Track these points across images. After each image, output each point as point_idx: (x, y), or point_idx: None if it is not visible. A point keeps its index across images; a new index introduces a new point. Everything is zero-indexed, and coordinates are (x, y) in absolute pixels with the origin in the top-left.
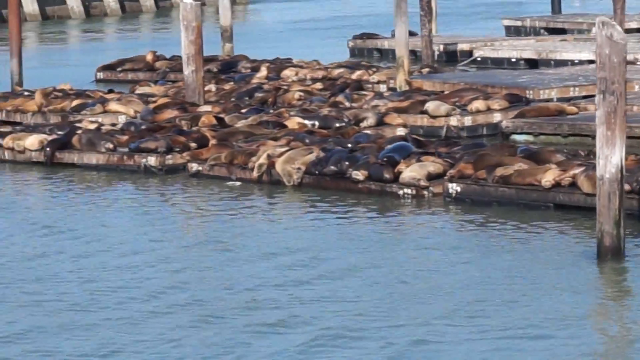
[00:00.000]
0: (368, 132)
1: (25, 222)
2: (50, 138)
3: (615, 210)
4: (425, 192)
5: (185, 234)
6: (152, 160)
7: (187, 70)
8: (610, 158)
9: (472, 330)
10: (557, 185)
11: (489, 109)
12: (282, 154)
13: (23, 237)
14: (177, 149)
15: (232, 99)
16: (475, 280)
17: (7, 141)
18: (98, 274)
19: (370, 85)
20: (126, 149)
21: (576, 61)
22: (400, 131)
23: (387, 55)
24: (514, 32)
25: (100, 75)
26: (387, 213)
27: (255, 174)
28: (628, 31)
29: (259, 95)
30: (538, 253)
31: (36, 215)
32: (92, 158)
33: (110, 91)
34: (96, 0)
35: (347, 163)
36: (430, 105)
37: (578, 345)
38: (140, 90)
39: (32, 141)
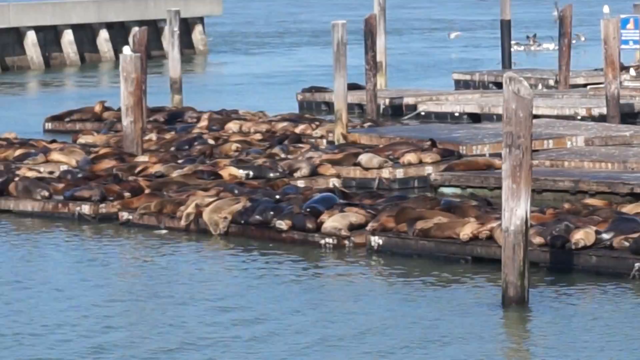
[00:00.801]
0: (300, 183)
1: None
2: None
3: (520, 261)
4: (346, 242)
5: (111, 282)
6: (86, 208)
7: (126, 121)
8: (516, 211)
9: None
10: (474, 238)
11: (420, 162)
12: (209, 203)
13: None
14: (111, 198)
15: (172, 149)
16: (386, 329)
17: None
18: (30, 318)
19: (313, 140)
20: (61, 197)
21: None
22: (334, 182)
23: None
24: (463, 86)
25: (49, 125)
26: (308, 262)
27: (183, 223)
28: (574, 86)
29: (197, 146)
30: (449, 304)
31: None
32: (28, 205)
33: (53, 141)
34: (56, 51)
35: (272, 213)
36: (363, 158)
37: None
38: (82, 139)
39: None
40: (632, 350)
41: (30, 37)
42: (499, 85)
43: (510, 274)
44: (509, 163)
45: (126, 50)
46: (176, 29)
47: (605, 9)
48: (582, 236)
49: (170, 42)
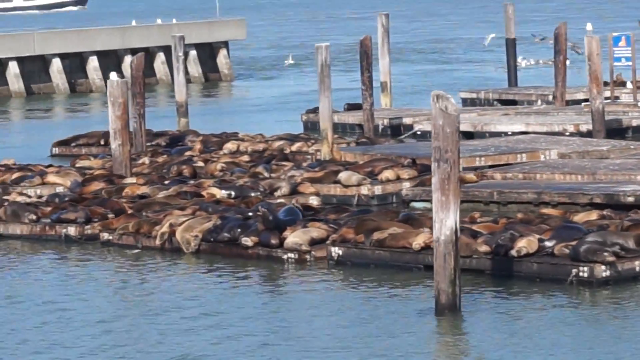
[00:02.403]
0: (281, 200)
1: None
2: None
3: (451, 269)
4: (307, 256)
5: (91, 297)
6: (72, 230)
7: (114, 144)
8: (445, 222)
9: None
10: (426, 247)
11: (398, 178)
12: (182, 222)
13: None
14: (96, 219)
15: (164, 171)
16: (325, 333)
17: None
18: (19, 335)
19: (309, 156)
20: (49, 220)
21: (509, 133)
22: (313, 200)
23: (337, 127)
24: (469, 104)
25: (56, 150)
26: (270, 276)
27: (157, 242)
28: (575, 102)
29: (175, 167)
30: (390, 311)
31: None
32: (17, 229)
33: (49, 165)
34: (81, 77)
35: (239, 230)
36: (342, 175)
37: None
38: (80, 163)
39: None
40: (560, 356)
41: (56, 64)
42: (503, 102)
43: (442, 282)
44: (438, 176)
45: (113, 76)
46: (181, 54)
47: (589, 26)
48: (524, 244)
49: (175, 67)
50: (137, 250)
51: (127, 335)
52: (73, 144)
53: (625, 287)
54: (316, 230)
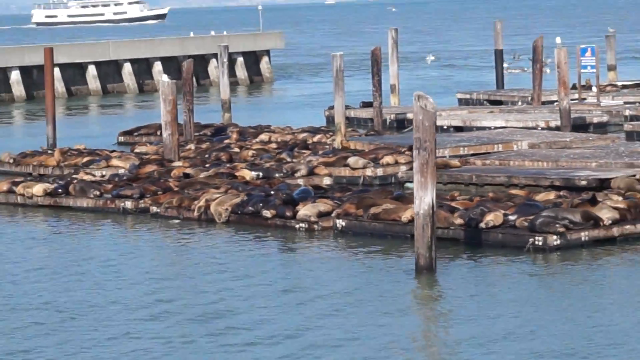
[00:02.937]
0: (300, 182)
1: (30, 251)
2: (51, 187)
3: (428, 237)
4: (316, 226)
5: (143, 257)
6: (128, 204)
7: (165, 133)
8: (424, 198)
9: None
10: (413, 220)
11: (396, 163)
12: (216, 198)
13: (29, 260)
14: (148, 195)
15: (206, 156)
16: (326, 286)
17: (19, 189)
18: (84, 285)
19: (327, 145)
20: (109, 195)
21: (492, 127)
22: (326, 179)
23: (353, 121)
24: (464, 103)
25: (121, 138)
26: (285, 242)
27: (195, 214)
28: (550, 102)
29: (217, 153)
30: (380, 270)
31: (38, 246)
32: (84, 202)
33: (113, 151)
34: (148, 79)
35: (261, 204)
36: (350, 160)
37: (391, 332)
38: (138, 149)
39: (38, 189)
40: (517, 307)
41: (127, 68)
42: (491, 102)
43: (421, 247)
44: (418, 162)
45: (164, 78)
46: (225, 60)
47: (558, 40)
48: (492, 218)
49: (220, 71)
50: (178, 221)
51: (170, 287)
52: (135, 134)
53: (573, 254)
54: (323, 205)
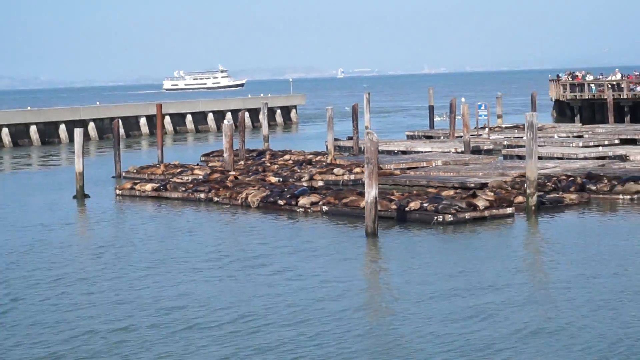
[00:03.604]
0: (304, 184)
1: (145, 222)
2: (156, 186)
3: (372, 216)
4: (309, 210)
5: (207, 230)
6: (202, 195)
7: (225, 155)
8: (370, 193)
9: (282, 286)
10: None
11: (362, 172)
12: (252, 192)
13: (148, 224)
14: (213, 190)
15: (250, 168)
16: (309, 244)
17: (137, 187)
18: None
19: (323, 162)
20: (190, 190)
21: (423, 151)
22: (320, 182)
23: (342, 148)
24: (411, 137)
25: (202, 158)
26: (290, 219)
27: (239, 202)
28: (459, 137)
29: (256, 166)
30: (343, 235)
31: (149, 219)
32: (175, 194)
33: (197, 164)
34: (222, 123)
35: (278, 197)
36: (335, 170)
37: (346, 268)
38: (210, 164)
39: (148, 186)
40: (425, 260)
41: (210, 116)
42: (426, 137)
43: (368, 221)
44: (367, 171)
45: (226, 121)
46: (265, 111)
47: (463, 99)
48: (413, 204)
49: (262, 117)
50: (228, 206)
51: (225, 240)
52: (210, 155)
53: (460, 226)
54: (315, 197)
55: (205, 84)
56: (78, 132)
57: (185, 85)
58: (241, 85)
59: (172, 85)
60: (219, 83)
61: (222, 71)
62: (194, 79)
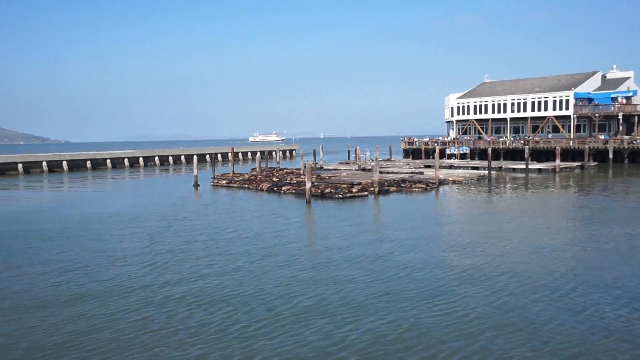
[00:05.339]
0: (287, 181)
1: (252, 208)
2: (228, 182)
3: (309, 193)
4: (286, 192)
5: (252, 207)
6: (245, 185)
7: (257, 168)
8: (307, 184)
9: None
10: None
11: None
12: (265, 184)
13: (252, 210)
14: (251, 182)
15: (264, 174)
16: (281, 207)
17: (220, 182)
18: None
19: (298, 173)
20: (241, 182)
21: (341, 169)
22: (294, 181)
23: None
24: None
25: (250, 170)
26: (279, 198)
27: (259, 188)
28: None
29: (271, 175)
30: (295, 203)
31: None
32: (235, 185)
33: (246, 173)
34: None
35: (275, 186)
36: (301, 176)
37: (290, 223)
38: (253, 172)
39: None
40: (342, 221)
41: (258, 154)
42: (345, 163)
43: (307, 196)
44: (307, 174)
45: (257, 157)
46: (279, 152)
47: (357, 148)
48: (327, 190)
49: (277, 155)
50: (253, 190)
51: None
52: (254, 169)
53: (347, 200)
54: (288, 187)
55: (267, 139)
56: (195, 158)
57: (258, 139)
58: (283, 140)
59: (252, 139)
60: (273, 139)
61: (274, 134)
62: (263, 137)
